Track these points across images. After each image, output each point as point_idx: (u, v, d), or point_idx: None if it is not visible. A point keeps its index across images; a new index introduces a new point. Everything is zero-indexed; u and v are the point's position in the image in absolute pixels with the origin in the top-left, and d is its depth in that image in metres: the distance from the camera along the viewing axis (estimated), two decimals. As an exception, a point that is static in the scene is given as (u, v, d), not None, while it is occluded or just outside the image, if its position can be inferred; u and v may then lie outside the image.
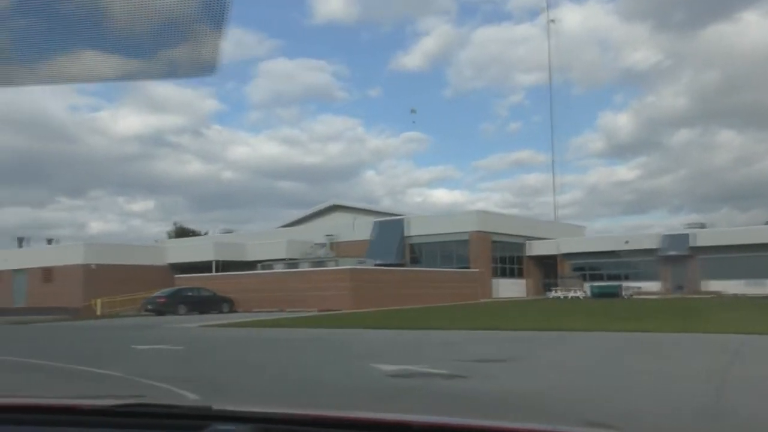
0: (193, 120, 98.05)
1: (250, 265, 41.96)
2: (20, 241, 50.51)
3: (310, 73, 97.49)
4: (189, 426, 1.51)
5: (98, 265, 41.76)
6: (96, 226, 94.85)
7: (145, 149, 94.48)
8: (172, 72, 1.87)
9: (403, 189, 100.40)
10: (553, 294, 42.76)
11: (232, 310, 33.39)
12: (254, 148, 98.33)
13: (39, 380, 10.06)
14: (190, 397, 6.99)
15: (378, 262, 39.01)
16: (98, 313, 37.24)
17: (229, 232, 54.78)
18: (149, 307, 32.69)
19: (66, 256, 42.92)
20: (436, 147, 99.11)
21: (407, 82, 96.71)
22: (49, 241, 49.84)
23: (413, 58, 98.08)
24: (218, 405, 1.62)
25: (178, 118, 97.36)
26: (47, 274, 43.37)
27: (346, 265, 35.04)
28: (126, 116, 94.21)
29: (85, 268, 41.55)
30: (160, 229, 72.78)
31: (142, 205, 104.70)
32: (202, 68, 1.80)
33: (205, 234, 60.75)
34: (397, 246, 44.83)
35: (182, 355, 13.45)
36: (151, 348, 14.46)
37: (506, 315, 24.49)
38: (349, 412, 1.61)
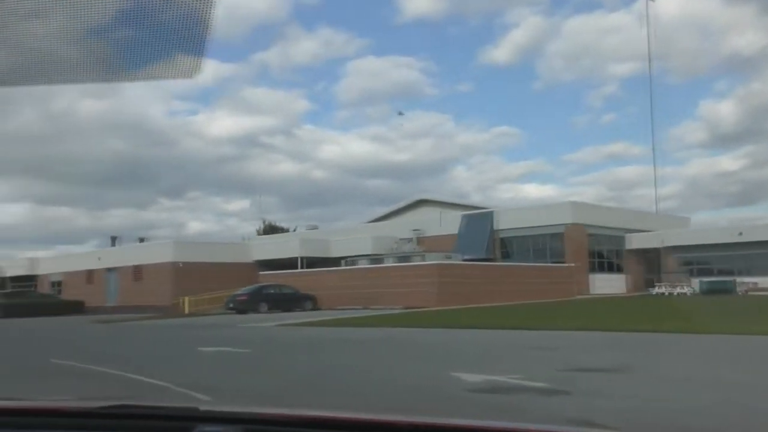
0: (285, 121, 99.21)
1: (335, 261, 41.02)
2: (113, 240, 51.62)
3: (399, 70, 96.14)
4: (175, 428, 1.49)
5: (186, 263, 41.82)
6: (194, 226, 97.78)
7: (240, 150, 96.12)
8: (154, 74, 1.83)
9: (493, 184, 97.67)
10: (656, 290, 39.59)
11: (314, 308, 32.40)
12: (343, 146, 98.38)
13: (71, 387, 9.01)
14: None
15: (466, 257, 37.15)
16: (185, 311, 37.17)
17: (314, 228, 54.14)
18: (231, 305, 32.14)
19: (155, 254, 43.30)
20: (527, 141, 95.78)
21: (496, 75, 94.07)
22: (141, 240, 50.55)
23: (502, 52, 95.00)
24: (206, 406, 1.62)
25: (271, 120, 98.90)
26: (137, 272, 43.91)
27: (432, 260, 33.43)
28: (221, 119, 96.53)
29: (174, 266, 41.70)
30: (255, 228, 75.33)
31: (237, 204, 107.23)
32: (186, 69, 1.79)
33: (294, 230, 60.51)
34: (486, 240, 42.74)
35: (244, 359, 12.21)
36: (216, 351, 13.33)
37: (607, 313, 22.20)
38: (340, 412, 1.59)
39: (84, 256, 49.75)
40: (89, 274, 47.72)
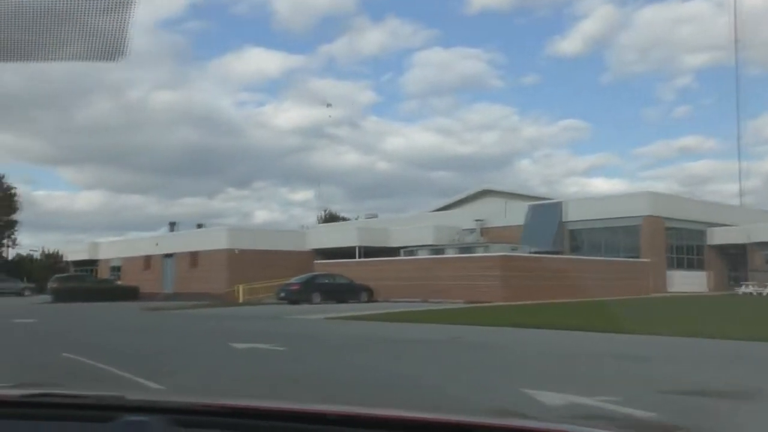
0: (351, 112, 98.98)
1: (394, 251, 39.29)
2: (172, 225, 51.14)
3: (465, 61, 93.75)
4: (98, 417, 1.44)
5: (242, 251, 40.78)
6: (260, 216, 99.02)
7: (306, 141, 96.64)
8: (78, 54, 1.82)
9: (559, 178, 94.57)
10: (743, 290, 36.33)
11: (370, 300, 30.70)
12: (408, 138, 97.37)
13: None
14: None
15: (532, 249, 34.76)
16: (239, 299, 36.10)
17: (373, 216, 52.46)
18: (282, 294, 30.75)
19: (211, 240, 42.42)
20: (594, 134, 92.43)
21: (564, 67, 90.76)
22: (199, 226, 49.86)
23: (570, 43, 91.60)
24: (133, 395, 1.59)
25: (337, 111, 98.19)
26: (194, 259, 43.18)
27: (496, 252, 31.26)
28: (288, 110, 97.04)
29: (229, 253, 40.71)
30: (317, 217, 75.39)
31: (302, 195, 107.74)
32: (110, 52, 1.79)
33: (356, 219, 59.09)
34: (554, 232, 40.13)
35: (274, 360, 10.52)
36: (249, 348, 11.69)
37: (698, 315, 19.69)
38: (270, 402, 1.57)
39: (142, 242, 49.45)
40: (147, 260, 47.37)
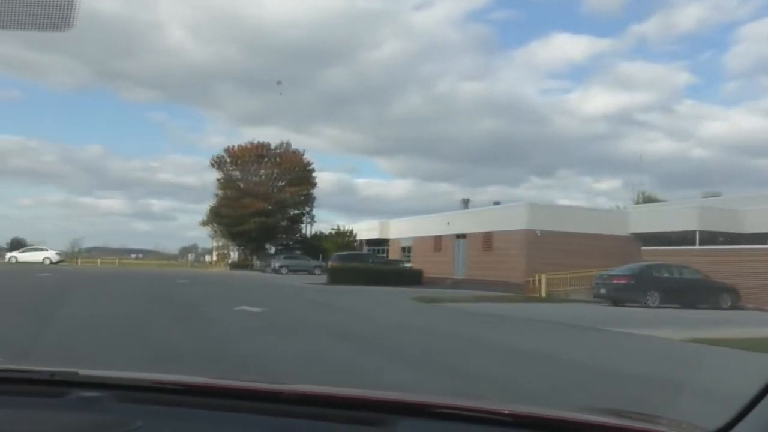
0: (663, 96, 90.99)
1: (748, 238, 28.71)
2: (465, 202, 45.60)
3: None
4: (49, 393, 1.43)
5: (544, 232, 33.37)
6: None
7: (612, 128, 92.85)
8: (24, 23, 1.78)
9: None
10: None
11: (734, 306, 21.24)
12: (730, 122, 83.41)
13: None
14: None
15: None
16: (541, 293, 28.84)
17: (716, 195, 41.04)
18: (602, 290, 22.63)
19: (507, 219, 35.64)
20: None
21: None
22: (496, 204, 43.51)
23: None
24: (85, 371, 1.54)
25: (647, 95, 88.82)
26: (487, 240, 36.87)
27: None
28: (593, 97, 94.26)
29: (528, 234, 33.55)
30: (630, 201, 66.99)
31: (608, 184, 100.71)
32: (57, 22, 1.77)
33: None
34: None
35: None
36: None
37: None
38: (224, 381, 1.58)
39: (433, 221, 44.53)
40: (437, 241, 42.37)
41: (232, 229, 53.71)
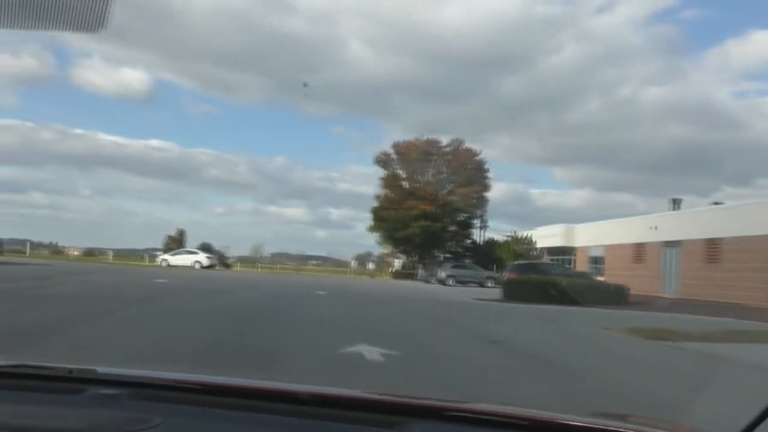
0: None
1: None
2: (675, 202, 36.93)
3: None
4: (68, 389, 1.45)
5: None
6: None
7: None
8: (59, 24, 1.84)
9: None
10: None
11: None
12: None
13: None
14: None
15: None
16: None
17: None
18: None
19: (742, 222, 27.05)
20: None
21: None
22: (715, 204, 34.56)
23: None
24: (104, 368, 1.59)
25: None
26: (711, 249, 28.41)
27: None
28: None
29: (772, 242, 24.94)
30: None
31: None
32: (90, 23, 1.81)
33: None
34: None
35: None
36: None
37: None
38: (241, 381, 1.60)
39: (632, 225, 36.39)
40: (638, 249, 34.42)
41: (395, 233, 48.54)
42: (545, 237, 45.04)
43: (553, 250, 43.99)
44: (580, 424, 1.40)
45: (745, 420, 1.36)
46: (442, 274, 39.33)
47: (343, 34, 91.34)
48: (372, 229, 54.64)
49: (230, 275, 38.09)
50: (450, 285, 37.85)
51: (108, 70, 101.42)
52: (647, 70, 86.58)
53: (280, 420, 1.35)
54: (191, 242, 50.99)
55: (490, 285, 38.26)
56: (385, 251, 65.50)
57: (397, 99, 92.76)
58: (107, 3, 1.75)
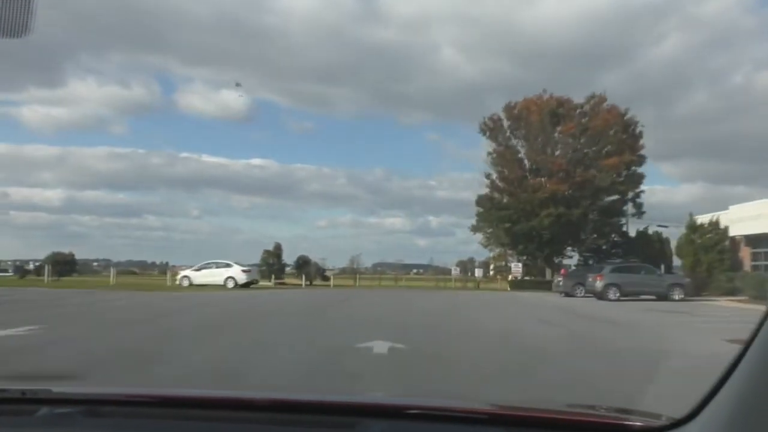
0: None
1: None
2: None
3: None
4: (22, 411, 1.44)
5: None
6: None
7: None
8: None
9: None
10: None
11: None
12: None
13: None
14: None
15: None
16: None
17: None
18: None
19: None
20: None
21: None
22: None
23: None
24: (58, 388, 1.58)
25: None
26: None
27: None
28: None
29: None
30: None
31: None
32: (13, 28, 1.74)
33: None
34: None
35: None
36: None
37: None
38: (196, 391, 1.60)
39: None
40: None
41: (513, 227, 35.22)
42: (741, 221, 30.43)
43: (755, 239, 29.49)
44: (537, 415, 1.41)
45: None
46: (598, 284, 25.60)
47: (435, 40, 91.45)
48: (476, 228, 41.63)
49: (275, 299, 26.05)
50: (612, 299, 24.39)
51: (209, 93, 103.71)
52: (761, 54, 78.12)
53: (238, 428, 1.35)
54: (289, 256, 45.60)
55: (677, 296, 24.60)
56: (493, 254, 52.20)
57: (490, 100, 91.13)
58: (30, 7, 1.67)
